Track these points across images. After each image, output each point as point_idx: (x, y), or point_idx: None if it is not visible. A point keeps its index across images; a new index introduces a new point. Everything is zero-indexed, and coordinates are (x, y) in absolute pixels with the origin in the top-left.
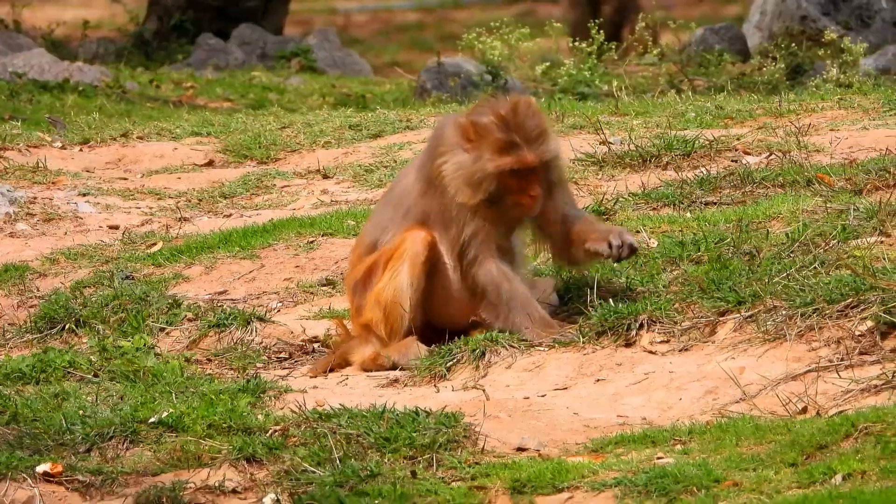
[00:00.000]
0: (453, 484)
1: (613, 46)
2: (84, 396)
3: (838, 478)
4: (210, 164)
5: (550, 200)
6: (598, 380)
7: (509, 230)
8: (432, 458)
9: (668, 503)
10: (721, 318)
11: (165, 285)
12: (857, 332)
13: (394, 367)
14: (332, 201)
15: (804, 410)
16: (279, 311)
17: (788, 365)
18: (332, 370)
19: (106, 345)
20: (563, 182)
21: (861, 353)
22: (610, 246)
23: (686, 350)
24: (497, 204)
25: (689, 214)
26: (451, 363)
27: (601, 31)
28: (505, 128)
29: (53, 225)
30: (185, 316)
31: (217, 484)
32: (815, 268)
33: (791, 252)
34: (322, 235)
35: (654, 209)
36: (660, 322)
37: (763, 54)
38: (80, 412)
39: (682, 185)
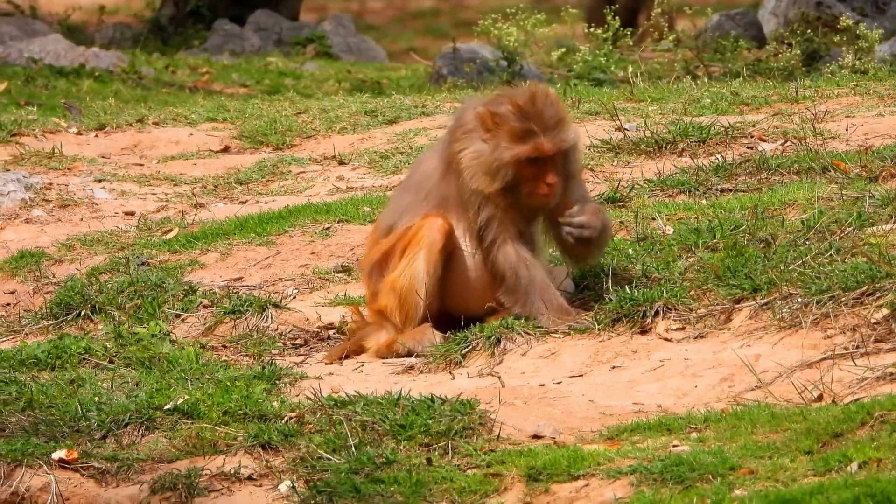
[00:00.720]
0: (469, 471)
1: (629, 32)
2: (99, 383)
3: (854, 465)
4: (226, 149)
5: (564, 193)
6: (614, 367)
7: (527, 219)
8: (448, 446)
9: (684, 491)
10: (736, 306)
11: (181, 272)
12: (872, 320)
13: (409, 354)
14: (347, 187)
15: (820, 398)
16: (295, 297)
17: (804, 352)
18: (347, 357)
19: (121, 331)
20: (579, 174)
21: (876, 341)
22: (570, 216)
23: (701, 337)
24: (514, 192)
25: (704, 201)
26: (466, 350)
27: (617, 18)
28: (522, 116)
29: (69, 211)
30: (201, 302)
31: (232, 471)
32: (830, 255)
33: (806, 239)
34: (338, 222)
35: (670, 196)
36: (675, 309)
37: (779, 40)
38: (96, 399)
39: (698, 172)
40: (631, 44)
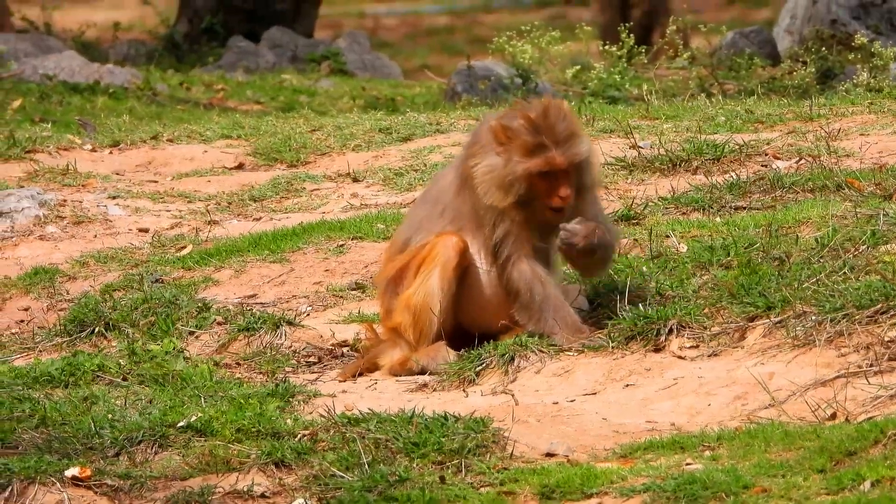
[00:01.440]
0: (482, 489)
1: (643, 50)
2: (113, 400)
3: (867, 484)
4: (240, 166)
5: (579, 208)
6: (628, 385)
7: (542, 234)
8: (461, 464)
9: None
10: (750, 324)
11: (195, 289)
12: (886, 338)
13: (422, 372)
14: (361, 205)
15: (833, 416)
16: (308, 314)
17: (818, 370)
18: (360, 374)
19: (135, 348)
20: (594, 188)
21: (890, 359)
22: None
23: (715, 355)
24: (528, 207)
25: (718, 219)
26: (480, 368)
27: (631, 35)
28: (534, 130)
29: (83, 228)
30: (215, 319)
31: (246, 489)
32: (844, 273)
33: (821, 257)
34: (352, 239)
35: (684, 213)
36: (689, 327)
37: (793, 58)
38: (109, 416)
39: (712, 190)
40: (645, 61)
